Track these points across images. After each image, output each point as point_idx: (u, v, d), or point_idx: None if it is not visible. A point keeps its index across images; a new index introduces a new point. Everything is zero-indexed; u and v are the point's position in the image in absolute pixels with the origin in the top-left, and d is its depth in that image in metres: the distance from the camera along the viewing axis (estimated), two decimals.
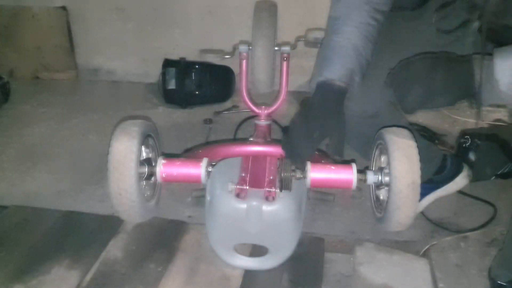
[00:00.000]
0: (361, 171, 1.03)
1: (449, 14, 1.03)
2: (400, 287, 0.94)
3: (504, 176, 1.31)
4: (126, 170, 0.98)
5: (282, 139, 1.02)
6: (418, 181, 0.97)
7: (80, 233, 1.11)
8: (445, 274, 0.97)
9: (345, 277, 1.00)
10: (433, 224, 1.15)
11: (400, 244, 1.08)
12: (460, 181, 1.22)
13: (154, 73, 2.04)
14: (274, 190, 0.95)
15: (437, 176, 1.21)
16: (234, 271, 1.00)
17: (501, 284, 0.90)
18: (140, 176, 1.03)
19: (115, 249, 1.05)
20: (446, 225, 1.15)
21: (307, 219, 1.16)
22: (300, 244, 1.04)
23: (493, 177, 1.32)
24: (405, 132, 1.02)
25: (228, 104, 1.91)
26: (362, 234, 1.12)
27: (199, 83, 1.89)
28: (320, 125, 0.94)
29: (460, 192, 1.26)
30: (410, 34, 1.07)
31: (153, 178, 1.10)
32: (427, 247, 1.05)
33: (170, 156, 1.13)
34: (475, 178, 1.30)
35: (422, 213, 1.17)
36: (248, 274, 0.99)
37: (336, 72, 0.94)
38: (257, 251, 1.02)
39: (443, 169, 1.22)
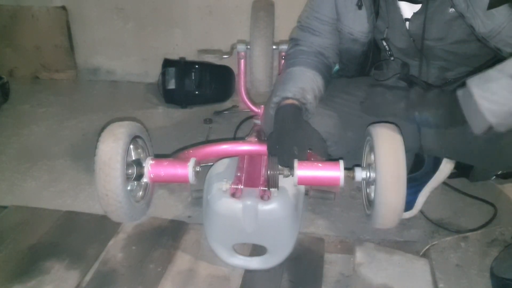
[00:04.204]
0: (349, 168, 1.03)
1: (384, 69, 1.21)
2: (400, 287, 0.94)
3: (504, 176, 1.31)
4: (112, 171, 0.98)
5: (267, 141, 1.04)
6: (403, 175, 0.95)
7: (80, 233, 1.11)
8: (445, 274, 0.97)
9: (345, 277, 1.00)
10: (433, 224, 1.15)
11: (400, 244, 1.08)
12: (445, 167, 1.20)
13: (154, 73, 2.05)
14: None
15: (418, 172, 1.21)
16: (234, 271, 1.00)
17: (508, 281, 0.89)
18: (128, 177, 1.03)
19: (115, 249, 1.05)
20: (446, 225, 1.15)
21: (307, 219, 1.17)
22: (300, 244, 1.04)
23: (493, 177, 1.31)
24: (391, 127, 1.02)
25: (228, 104, 1.91)
26: (362, 234, 1.12)
27: (199, 83, 1.89)
28: (293, 136, 1.00)
29: (460, 192, 1.26)
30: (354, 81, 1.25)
31: (143, 179, 1.10)
32: (427, 247, 1.05)
33: (164, 157, 1.13)
34: (475, 178, 1.30)
35: (422, 213, 1.17)
36: (248, 274, 0.99)
37: (289, 90, 1.07)
38: (256, 251, 1.02)
39: (422, 163, 1.22)
